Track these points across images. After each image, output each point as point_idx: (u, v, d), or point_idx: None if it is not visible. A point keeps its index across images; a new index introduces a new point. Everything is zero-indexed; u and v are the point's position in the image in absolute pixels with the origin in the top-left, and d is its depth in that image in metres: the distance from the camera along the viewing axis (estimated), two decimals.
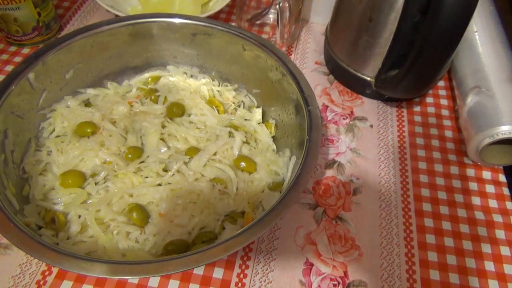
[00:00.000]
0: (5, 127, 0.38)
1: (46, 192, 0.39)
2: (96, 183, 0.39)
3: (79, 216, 0.37)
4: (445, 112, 0.54)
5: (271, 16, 0.62)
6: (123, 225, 0.36)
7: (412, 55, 0.42)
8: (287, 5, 0.51)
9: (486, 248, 0.42)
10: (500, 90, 0.47)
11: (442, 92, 0.57)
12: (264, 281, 0.39)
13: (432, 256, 0.41)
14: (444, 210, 0.45)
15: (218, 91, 0.50)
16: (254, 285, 0.39)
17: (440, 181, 0.47)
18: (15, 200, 0.35)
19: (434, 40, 0.39)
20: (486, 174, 0.48)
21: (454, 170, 0.48)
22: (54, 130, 0.43)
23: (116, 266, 0.28)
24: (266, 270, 0.40)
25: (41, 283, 0.37)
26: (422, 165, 0.48)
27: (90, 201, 0.38)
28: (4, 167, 0.36)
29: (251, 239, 0.31)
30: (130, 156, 0.42)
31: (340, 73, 0.56)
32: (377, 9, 0.46)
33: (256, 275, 0.39)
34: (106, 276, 0.27)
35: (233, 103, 0.49)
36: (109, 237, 0.36)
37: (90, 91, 0.47)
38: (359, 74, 0.52)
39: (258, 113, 0.47)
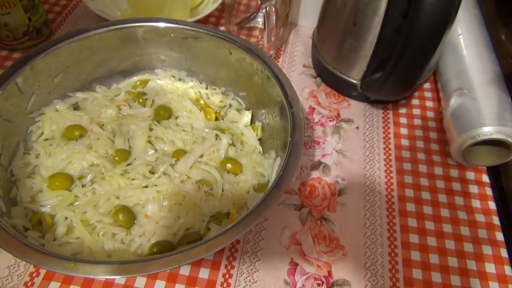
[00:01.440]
0: None
1: (33, 194, 0.39)
2: (83, 186, 0.40)
3: (66, 218, 0.37)
4: (430, 114, 0.55)
5: (260, 20, 0.63)
6: (109, 227, 0.37)
7: (394, 58, 0.42)
8: (273, 9, 0.52)
9: (468, 247, 0.43)
10: (482, 92, 0.47)
11: (428, 94, 0.58)
12: (249, 281, 0.40)
13: (415, 255, 0.42)
14: (427, 210, 0.46)
15: (206, 94, 0.50)
16: (239, 285, 0.39)
17: (424, 181, 0.48)
18: (2, 202, 0.35)
19: (413, 43, 0.40)
20: (470, 175, 0.49)
21: (438, 170, 0.49)
22: (42, 133, 0.44)
23: (100, 266, 0.29)
24: (251, 270, 0.40)
25: (29, 284, 0.38)
26: (407, 166, 0.49)
27: (77, 203, 0.39)
28: None
29: (232, 239, 0.31)
30: (117, 158, 0.42)
31: (327, 76, 0.57)
32: (361, 13, 0.47)
33: (241, 275, 0.40)
34: (89, 276, 0.28)
35: (219, 107, 0.50)
36: (95, 238, 0.36)
37: (79, 95, 0.47)
38: (345, 77, 0.53)
39: (247, 116, 0.48)
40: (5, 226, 0.31)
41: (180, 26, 0.46)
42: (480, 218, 0.45)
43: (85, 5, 0.62)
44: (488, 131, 0.44)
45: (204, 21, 0.64)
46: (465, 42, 0.53)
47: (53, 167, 0.41)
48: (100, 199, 0.39)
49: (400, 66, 0.42)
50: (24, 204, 0.38)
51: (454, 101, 0.49)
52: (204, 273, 0.40)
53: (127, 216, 0.38)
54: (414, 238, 0.43)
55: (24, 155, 0.42)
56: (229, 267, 0.40)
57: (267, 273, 0.40)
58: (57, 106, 0.45)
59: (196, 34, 0.46)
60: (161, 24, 0.46)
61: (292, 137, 0.38)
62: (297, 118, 0.39)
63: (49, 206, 0.38)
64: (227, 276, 0.40)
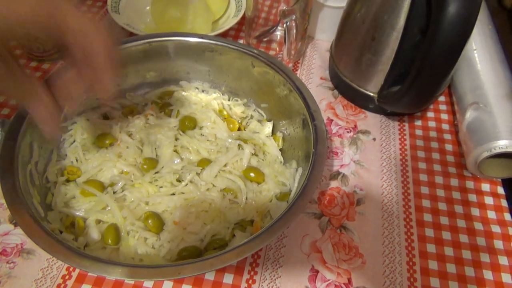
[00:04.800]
0: (31, 139, 0.40)
1: (67, 200, 0.41)
2: (114, 192, 0.42)
3: (99, 222, 0.39)
4: (445, 126, 0.56)
5: (278, 34, 0.65)
6: (141, 231, 0.39)
7: (412, 73, 0.44)
8: (294, 23, 0.54)
9: (485, 258, 0.44)
10: (498, 106, 0.49)
11: (443, 107, 0.59)
12: (272, 287, 0.41)
13: (433, 264, 0.43)
14: (444, 220, 0.47)
15: (228, 105, 0.52)
16: None
17: (440, 192, 0.49)
18: (40, 207, 0.37)
19: (433, 59, 0.41)
20: (485, 186, 0.50)
21: (454, 182, 0.50)
22: (74, 141, 0.46)
23: (136, 270, 0.30)
24: (274, 276, 0.42)
25: (62, 286, 0.40)
26: (423, 177, 0.51)
27: (109, 208, 0.41)
28: (30, 177, 0.39)
29: (261, 246, 0.33)
30: (145, 166, 0.44)
31: (344, 88, 0.58)
32: (379, 29, 0.49)
33: (264, 281, 0.41)
34: (127, 279, 0.30)
35: (241, 118, 0.51)
36: (131, 241, 0.38)
37: (108, 105, 0.49)
38: (362, 90, 0.55)
39: (268, 127, 0.50)
40: (48, 231, 0.32)
41: (208, 41, 0.48)
42: (496, 229, 0.46)
43: (110, 18, 0.64)
44: (504, 144, 0.45)
45: (224, 34, 0.66)
46: (480, 57, 0.55)
47: (85, 174, 0.43)
48: (131, 205, 0.40)
49: (418, 80, 0.44)
50: (59, 209, 0.40)
51: (469, 115, 0.50)
52: (228, 279, 0.41)
53: (157, 222, 0.40)
54: (431, 248, 0.44)
55: (57, 162, 0.44)
56: (252, 273, 0.42)
57: (289, 279, 0.42)
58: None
59: (220, 48, 0.48)
60: (190, 39, 0.48)
61: (316, 148, 0.39)
62: (320, 130, 0.41)
63: (82, 210, 0.40)
64: (250, 281, 0.41)
